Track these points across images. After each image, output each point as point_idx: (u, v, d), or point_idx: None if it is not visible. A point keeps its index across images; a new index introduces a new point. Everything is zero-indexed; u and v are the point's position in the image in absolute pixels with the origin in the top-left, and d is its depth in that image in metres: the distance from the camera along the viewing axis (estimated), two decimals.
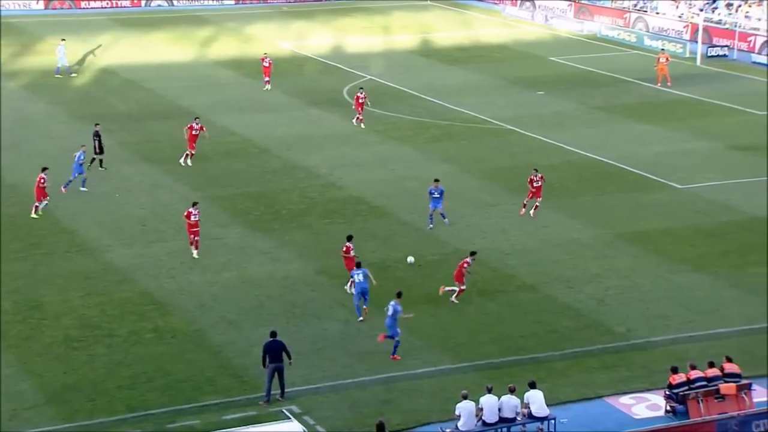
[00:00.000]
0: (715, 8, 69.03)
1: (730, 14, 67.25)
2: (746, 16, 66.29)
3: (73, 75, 55.93)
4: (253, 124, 47.53)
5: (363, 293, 28.20)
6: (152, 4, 80.00)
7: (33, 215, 35.07)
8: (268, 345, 24.17)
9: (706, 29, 65.50)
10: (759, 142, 44.88)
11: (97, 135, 40.22)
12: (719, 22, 67.04)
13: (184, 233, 33.08)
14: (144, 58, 61.30)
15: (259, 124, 47.75)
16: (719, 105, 51.59)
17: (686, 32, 65.85)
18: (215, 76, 57.90)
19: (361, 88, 47.50)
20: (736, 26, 65.41)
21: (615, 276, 30.99)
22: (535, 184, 35.09)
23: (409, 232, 34.27)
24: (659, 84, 54.85)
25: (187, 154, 40.82)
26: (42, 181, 35.00)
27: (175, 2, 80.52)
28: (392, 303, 26.18)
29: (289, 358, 24.20)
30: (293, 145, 44.34)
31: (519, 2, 79.28)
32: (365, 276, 28.27)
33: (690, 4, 70.31)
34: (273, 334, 24.49)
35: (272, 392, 24.14)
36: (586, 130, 47.15)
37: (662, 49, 60.06)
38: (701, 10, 68.15)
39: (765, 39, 61.88)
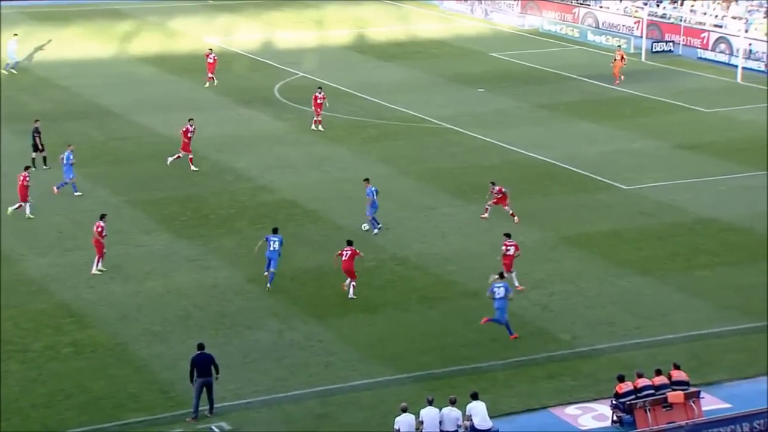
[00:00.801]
0: (660, 2, 70.16)
1: (675, 8, 68.44)
2: (691, 10, 67.52)
3: (3, 72, 55.13)
4: (178, 125, 46.94)
5: (272, 260, 30.08)
6: None
7: (29, 215, 35.18)
8: (196, 358, 23.97)
9: (657, 25, 66.46)
10: (706, 141, 45.71)
11: (37, 132, 40.22)
12: (663, 16, 68.18)
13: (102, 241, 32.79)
14: (59, 54, 60.48)
15: (186, 124, 47.30)
16: (665, 102, 52.46)
17: (637, 28, 66.69)
18: (137, 73, 57.34)
19: (320, 88, 47.16)
20: (681, 21, 66.57)
21: (559, 281, 31.30)
22: (497, 196, 35.35)
23: (345, 237, 34.18)
24: (617, 83, 55.39)
25: (190, 159, 40.50)
26: (25, 179, 35.14)
27: None
28: (502, 284, 27.30)
29: (217, 372, 24.02)
30: (222, 147, 44.08)
31: None
32: (280, 244, 30.03)
33: None
34: (201, 346, 24.31)
35: (200, 408, 23.94)
36: (529, 128, 47.60)
37: (618, 46, 60.68)
38: (645, 4, 69.23)
39: (719, 36, 62.73)
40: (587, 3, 73.84)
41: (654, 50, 63.32)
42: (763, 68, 58.62)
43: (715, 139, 46.12)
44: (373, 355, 26.84)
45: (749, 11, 64.61)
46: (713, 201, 38.23)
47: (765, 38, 60.71)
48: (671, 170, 41.69)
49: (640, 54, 62.24)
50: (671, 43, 64.67)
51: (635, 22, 66.67)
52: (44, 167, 39.98)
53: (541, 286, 30.89)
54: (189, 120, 41.43)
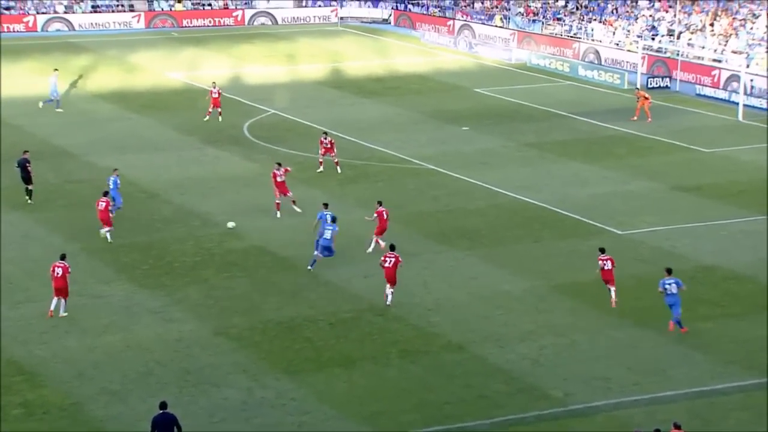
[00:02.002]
0: (655, 35, 70.98)
1: (671, 42, 69.28)
2: (689, 44, 68.38)
3: (47, 105, 56.50)
4: (139, 166, 47.17)
5: (328, 249, 34.71)
6: (50, 29, 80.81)
7: (109, 239, 37.74)
8: (158, 419, 23.86)
9: (664, 62, 66.83)
10: (705, 182, 46.09)
11: (27, 162, 41.66)
12: (659, 50, 68.99)
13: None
14: (11, 91, 60.52)
15: (147, 165, 47.42)
16: (661, 141, 52.94)
17: (642, 64, 67.27)
18: (95, 110, 57.44)
19: (325, 133, 47.21)
20: (678, 55, 67.36)
21: (550, 333, 31.39)
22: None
23: (320, 287, 34.29)
24: (637, 118, 55.95)
25: (293, 201, 40.99)
26: (105, 205, 37.71)
27: (77, 27, 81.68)
28: (672, 279, 30.67)
29: None
30: (186, 189, 44.13)
31: (456, 32, 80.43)
32: (333, 219, 35.03)
33: (627, 32, 72.24)
34: (163, 405, 24.19)
35: None
36: (516, 169, 47.90)
37: (637, 88, 61.12)
38: (639, 36, 70.04)
39: (731, 74, 63.03)
40: (578, 36, 74.71)
41: (650, 86, 63.99)
42: (765, 105, 59.23)
43: (716, 180, 46.54)
44: (350, 413, 26.79)
45: (750, 45, 65.47)
46: (714, 247, 38.50)
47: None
48: (669, 214, 42.00)
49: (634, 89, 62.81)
50: (667, 79, 65.40)
51: (641, 58, 67.23)
52: (29, 201, 41.52)
53: (531, 338, 30.95)
54: (277, 164, 41.47)
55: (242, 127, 54.26)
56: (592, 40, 73.31)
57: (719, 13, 69.80)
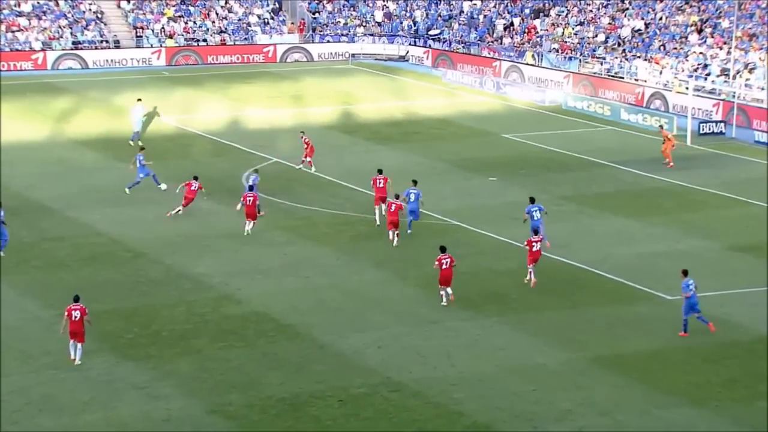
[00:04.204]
0: (708, 74, 71.24)
1: (726, 83, 69.49)
2: (746, 85, 68.57)
3: (136, 141, 58.95)
4: (124, 221, 47.33)
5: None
6: (61, 66, 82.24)
7: (248, 232, 45.15)
8: None
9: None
10: (765, 241, 45.92)
11: None
12: (713, 91, 69.21)
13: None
14: None
15: (133, 220, 47.55)
16: (714, 194, 52.91)
17: (716, 111, 67.14)
18: (76, 159, 57.81)
19: (380, 171, 48.03)
20: (734, 97, 67.50)
21: (591, 412, 31.23)
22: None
23: (328, 358, 34.21)
24: (671, 165, 56.38)
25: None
26: (253, 200, 45.24)
27: (90, 64, 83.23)
28: (692, 280, 35.32)
29: None
30: (178, 248, 44.23)
31: (503, 74, 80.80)
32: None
33: (676, 70, 72.52)
34: None
35: None
36: (551, 225, 47.84)
37: (660, 126, 61.43)
38: (690, 76, 70.31)
39: None
40: (618, 74, 75.02)
41: (701, 132, 64.10)
42: None
43: None
44: None
45: None
46: None
47: None
48: (724, 277, 41.86)
49: (686, 136, 62.93)
50: (722, 124, 65.49)
51: (714, 105, 67.22)
52: None
53: (569, 418, 30.79)
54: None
55: (240, 177, 54.46)
56: (636, 79, 73.59)
57: None
